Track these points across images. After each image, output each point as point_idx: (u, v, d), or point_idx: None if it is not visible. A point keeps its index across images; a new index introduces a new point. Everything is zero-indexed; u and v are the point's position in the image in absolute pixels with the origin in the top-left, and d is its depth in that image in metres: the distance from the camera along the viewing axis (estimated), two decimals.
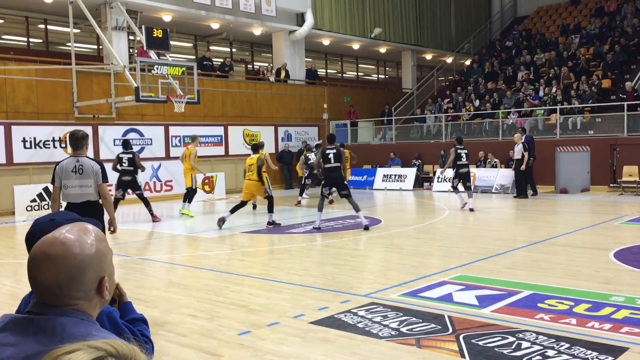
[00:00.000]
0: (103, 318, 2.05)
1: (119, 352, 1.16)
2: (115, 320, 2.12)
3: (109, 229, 6.21)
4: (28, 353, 1.34)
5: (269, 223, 12.19)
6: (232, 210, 12.16)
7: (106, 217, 6.24)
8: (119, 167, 13.17)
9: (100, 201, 6.18)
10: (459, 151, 14.43)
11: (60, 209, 6.22)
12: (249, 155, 13.12)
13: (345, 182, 11.80)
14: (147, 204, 13.53)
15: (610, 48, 23.17)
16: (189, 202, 14.34)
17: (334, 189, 12.13)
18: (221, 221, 11.95)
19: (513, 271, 7.47)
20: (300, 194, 17.18)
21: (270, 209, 12.26)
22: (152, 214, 13.53)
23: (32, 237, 1.99)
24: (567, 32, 26.60)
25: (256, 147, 12.65)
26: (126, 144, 13.44)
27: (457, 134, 20.13)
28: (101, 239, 1.50)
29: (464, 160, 14.41)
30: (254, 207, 15.29)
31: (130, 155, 13.18)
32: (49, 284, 1.41)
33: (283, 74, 23.35)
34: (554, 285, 6.62)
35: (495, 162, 19.28)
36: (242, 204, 12.34)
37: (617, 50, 22.59)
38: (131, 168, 13.15)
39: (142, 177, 17.95)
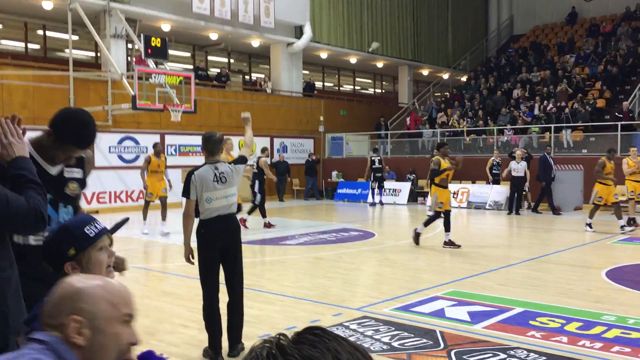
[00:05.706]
0: None
1: None
2: None
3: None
4: None
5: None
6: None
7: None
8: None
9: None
10: (372, 158, 19.88)
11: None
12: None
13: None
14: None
15: (605, 68, 23.37)
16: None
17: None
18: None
19: (505, 288, 7.49)
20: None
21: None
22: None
23: (48, 251, 1.96)
24: (563, 51, 26.83)
25: None
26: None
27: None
28: None
29: (376, 165, 19.75)
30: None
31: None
32: None
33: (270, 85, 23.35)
34: (546, 303, 6.64)
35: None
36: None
37: (612, 70, 22.78)
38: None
39: (135, 185, 17.88)
